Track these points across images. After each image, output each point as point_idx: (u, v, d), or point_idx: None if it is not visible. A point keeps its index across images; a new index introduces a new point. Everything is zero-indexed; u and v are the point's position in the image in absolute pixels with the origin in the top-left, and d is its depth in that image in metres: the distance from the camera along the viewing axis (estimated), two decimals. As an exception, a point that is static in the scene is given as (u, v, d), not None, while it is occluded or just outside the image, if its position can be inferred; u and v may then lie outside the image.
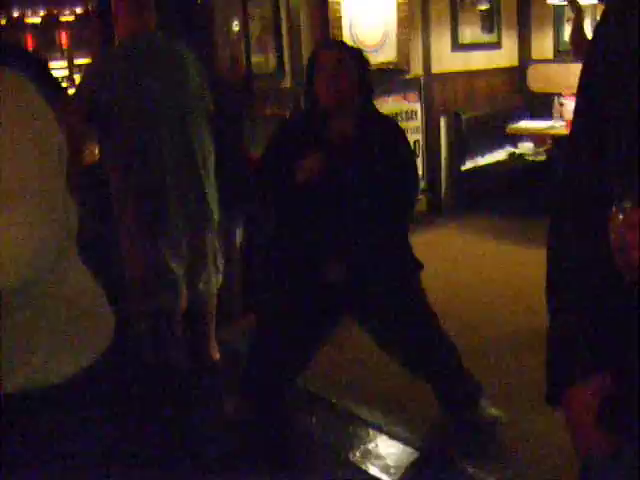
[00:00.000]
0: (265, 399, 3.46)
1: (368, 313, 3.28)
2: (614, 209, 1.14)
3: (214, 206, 3.84)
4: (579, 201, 1.39)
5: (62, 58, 7.04)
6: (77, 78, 6.72)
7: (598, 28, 1.40)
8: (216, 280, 4.04)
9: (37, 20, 6.92)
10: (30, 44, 6.58)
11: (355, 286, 3.16)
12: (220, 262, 4.05)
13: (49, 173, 1.52)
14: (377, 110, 3.38)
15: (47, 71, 3.22)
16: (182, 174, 3.67)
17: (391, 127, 3.37)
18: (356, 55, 3.25)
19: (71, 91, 5.68)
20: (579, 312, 1.38)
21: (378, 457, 3.21)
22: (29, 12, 6.79)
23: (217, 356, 4.13)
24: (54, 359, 1.61)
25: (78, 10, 6.76)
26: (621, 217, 1.12)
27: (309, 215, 3.18)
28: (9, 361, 1.53)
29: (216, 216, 3.88)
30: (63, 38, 7.01)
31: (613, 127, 1.26)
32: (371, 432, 3.43)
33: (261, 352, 3.43)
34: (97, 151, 4.08)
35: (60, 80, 6.44)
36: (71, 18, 6.87)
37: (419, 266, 3.29)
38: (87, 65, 4.94)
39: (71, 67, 6.97)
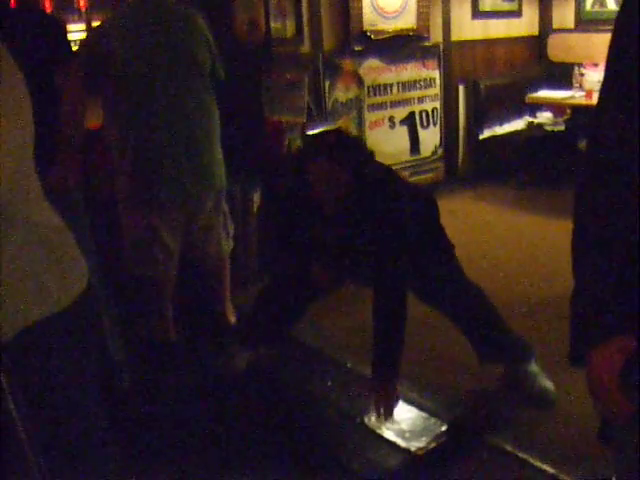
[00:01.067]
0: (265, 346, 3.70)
1: None
2: None
3: (218, 171, 3.80)
4: (607, 168, 1.38)
5: (80, 20, 6.98)
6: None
7: None
8: (227, 244, 4.03)
9: (55, -18, 6.86)
10: (48, 6, 6.52)
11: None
12: (230, 226, 4.03)
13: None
14: (372, 175, 3.11)
15: (60, 34, 3.19)
16: (181, 142, 3.60)
17: (383, 199, 3.10)
18: (347, 154, 3.02)
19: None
20: (605, 274, 1.38)
21: (393, 422, 3.22)
22: (46, -26, 6.74)
23: (234, 319, 4.15)
24: (23, 300, 1.57)
25: (96, -28, 6.71)
26: None
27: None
28: None
29: (221, 181, 3.84)
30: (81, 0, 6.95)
31: None
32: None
33: (266, 300, 3.55)
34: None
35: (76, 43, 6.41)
36: (90, -21, 6.81)
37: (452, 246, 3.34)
38: (94, 27, 4.91)
39: (89, 30, 6.92)
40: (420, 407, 3.34)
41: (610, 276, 1.36)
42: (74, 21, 7.00)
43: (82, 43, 3.76)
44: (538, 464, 2.85)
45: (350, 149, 3.04)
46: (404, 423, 3.22)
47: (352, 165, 2.99)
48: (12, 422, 1.54)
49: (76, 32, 6.89)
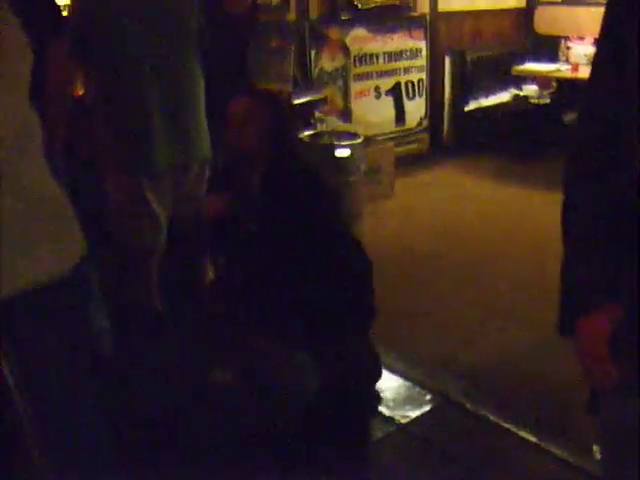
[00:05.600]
0: None
1: None
2: None
3: (204, 140, 3.74)
4: (602, 134, 1.38)
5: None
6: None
7: None
8: None
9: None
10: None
11: None
12: None
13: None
14: (297, 162, 3.23)
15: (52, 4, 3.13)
16: (168, 109, 3.57)
17: (307, 184, 3.13)
18: (269, 104, 3.21)
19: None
20: (595, 243, 1.38)
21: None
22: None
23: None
24: (15, 264, 1.56)
25: None
26: None
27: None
28: None
29: (207, 149, 3.79)
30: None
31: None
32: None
33: None
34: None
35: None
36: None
37: None
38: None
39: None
40: (405, 376, 3.35)
41: (601, 246, 1.37)
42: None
43: (71, 8, 3.70)
44: (522, 433, 2.88)
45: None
46: (388, 392, 3.24)
47: (272, 114, 3.12)
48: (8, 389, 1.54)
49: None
